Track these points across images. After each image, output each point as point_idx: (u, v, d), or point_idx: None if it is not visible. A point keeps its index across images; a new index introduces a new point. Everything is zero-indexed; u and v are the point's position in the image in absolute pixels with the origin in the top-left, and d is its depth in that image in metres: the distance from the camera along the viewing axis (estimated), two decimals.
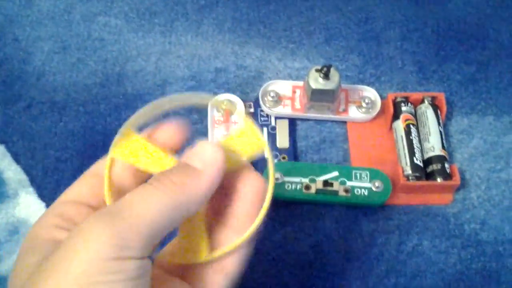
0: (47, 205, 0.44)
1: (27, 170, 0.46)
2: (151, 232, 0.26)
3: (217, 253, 0.30)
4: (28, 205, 0.44)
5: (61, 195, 0.31)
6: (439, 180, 0.43)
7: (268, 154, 0.31)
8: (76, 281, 0.24)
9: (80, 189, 0.31)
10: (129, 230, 0.25)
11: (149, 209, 0.26)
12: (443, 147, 0.44)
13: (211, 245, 0.30)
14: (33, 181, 0.45)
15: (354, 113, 0.47)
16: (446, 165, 0.44)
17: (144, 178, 0.31)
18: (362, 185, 0.43)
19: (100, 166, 0.31)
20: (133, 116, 0.31)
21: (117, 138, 0.30)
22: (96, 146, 0.46)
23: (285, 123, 0.47)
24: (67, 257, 0.25)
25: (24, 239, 0.29)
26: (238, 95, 0.47)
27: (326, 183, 0.43)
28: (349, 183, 0.43)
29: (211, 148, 0.29)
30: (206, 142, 0.29)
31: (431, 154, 0.44)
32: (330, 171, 0.44)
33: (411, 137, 0.45)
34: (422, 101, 0.46)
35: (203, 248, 0.30)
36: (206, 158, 0.29)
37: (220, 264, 0.30)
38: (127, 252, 0.25)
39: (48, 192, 0.45)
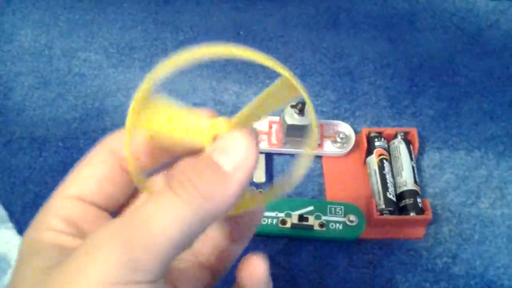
0: None
1: (6, 206, 0.46)
2: (169, 251, 0.23)
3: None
4: (7, 240, 0.44)
5: (61, 187, 0.26)
6: (411, 214, 0.44)
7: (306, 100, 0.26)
8: None
9: (84, 182, 0.26)
10: (144, 250, 0.22)
11: (169, 224, 0.23)
12: (415, 181, 0.45)
13: None
14: (12, 217, 0.45)
15: (329, 147, 0.48)
16: (419, 200, 0.45)
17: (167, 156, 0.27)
18: (337, 220, 0.44)
19: (103, 151, 0.27)
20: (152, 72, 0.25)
21: (133, 104, 0.25)
22: None
23: (261, 157, 0.48)
24: (73, 277, 0.22)
25: (22, 243, 0.26)
26: None
27: (301, 217, 0.44)
28: (324, 218, 0.44)
29: (245, 146, 0.24)
30: (239, 134, 0.24)
31: (404, 188, 0.45)
32: (305, 206, 0.44)
33: (384, 172, 0.46)
34: (395, 136, 0.48)
35: None
36: (237, 158, 0.24)
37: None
38: (140, 276, 0.22)
39: (27, 227, 0.45)
